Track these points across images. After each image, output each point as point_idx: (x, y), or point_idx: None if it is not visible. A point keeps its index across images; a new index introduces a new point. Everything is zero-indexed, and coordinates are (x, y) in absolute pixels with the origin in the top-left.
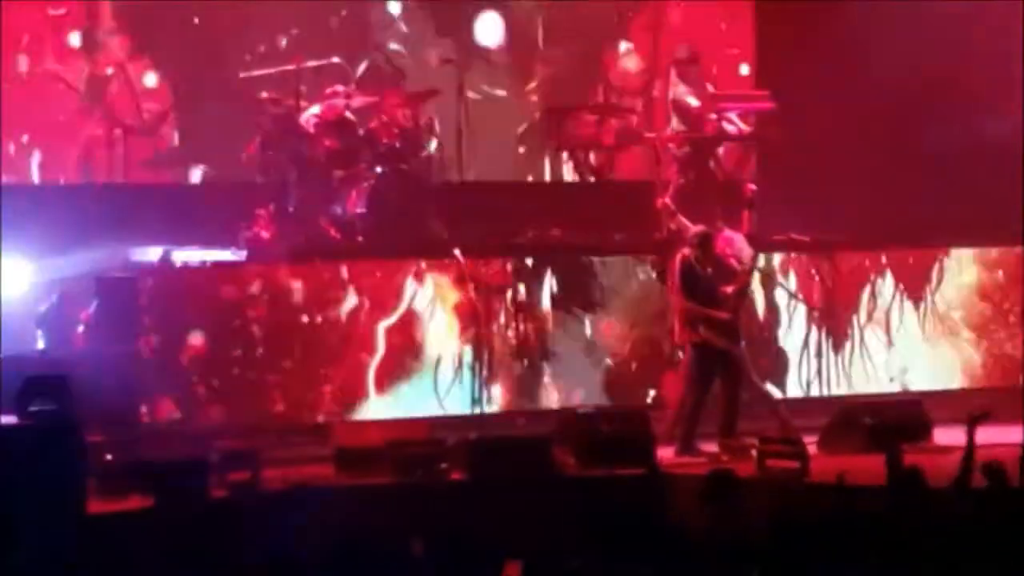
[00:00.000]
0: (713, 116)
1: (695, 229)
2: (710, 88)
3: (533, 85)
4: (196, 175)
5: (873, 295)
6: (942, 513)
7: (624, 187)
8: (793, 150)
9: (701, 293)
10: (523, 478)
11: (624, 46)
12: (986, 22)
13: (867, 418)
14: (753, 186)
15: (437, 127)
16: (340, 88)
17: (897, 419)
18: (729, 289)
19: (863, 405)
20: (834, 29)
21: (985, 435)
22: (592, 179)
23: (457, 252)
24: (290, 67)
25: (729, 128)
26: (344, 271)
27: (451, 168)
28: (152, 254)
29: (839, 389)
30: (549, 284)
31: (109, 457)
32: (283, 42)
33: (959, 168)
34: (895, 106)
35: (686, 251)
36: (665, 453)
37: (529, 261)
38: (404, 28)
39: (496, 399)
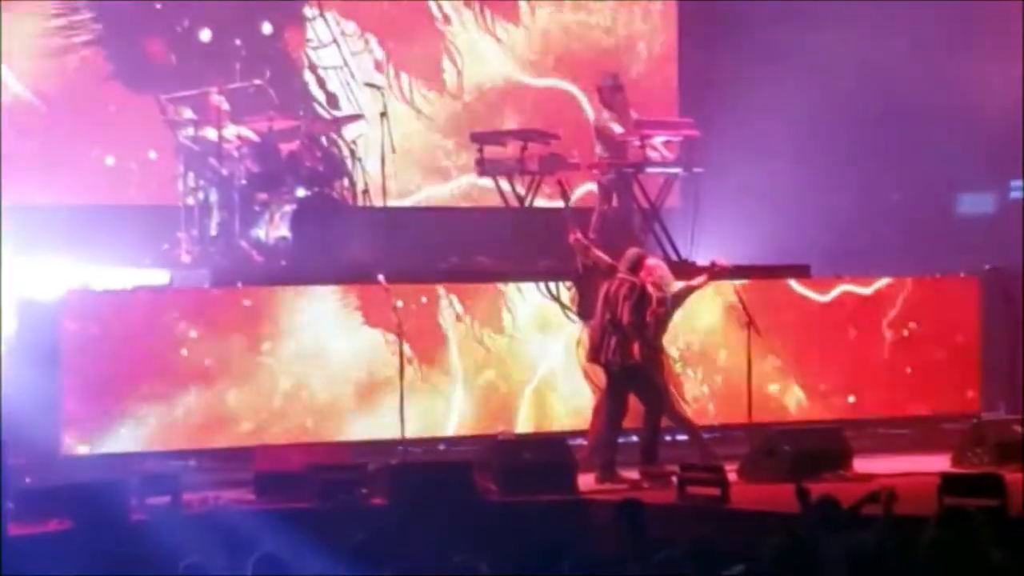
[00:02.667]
0: (637, 143)
1: (637, 251)
2: (634, 115)
3: (460, 109)
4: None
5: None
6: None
7: (549, 213)
8: (717, 177)
9: (640, 317)
10: (444, 503)
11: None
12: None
13: (787, 446)
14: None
15: (361, 151)
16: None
17: (818, 447)
18: (650, 315)
19: (784, 433)
20: (758, 57)
21: (909, 463)
22: (517, 205)
23: (381, 277)
24: (212, 89)
25: (653, 155)
26: (268, 294)
27: (375, 192)
28: (74, 277)
29: (766, 417)
30: (471, 308)
31: (28, 480)
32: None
33: (887, 194)
34: (821, 131)
35: (628, 275)
36: (586, 480)
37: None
38: (326, 51)
39: (419, 424)
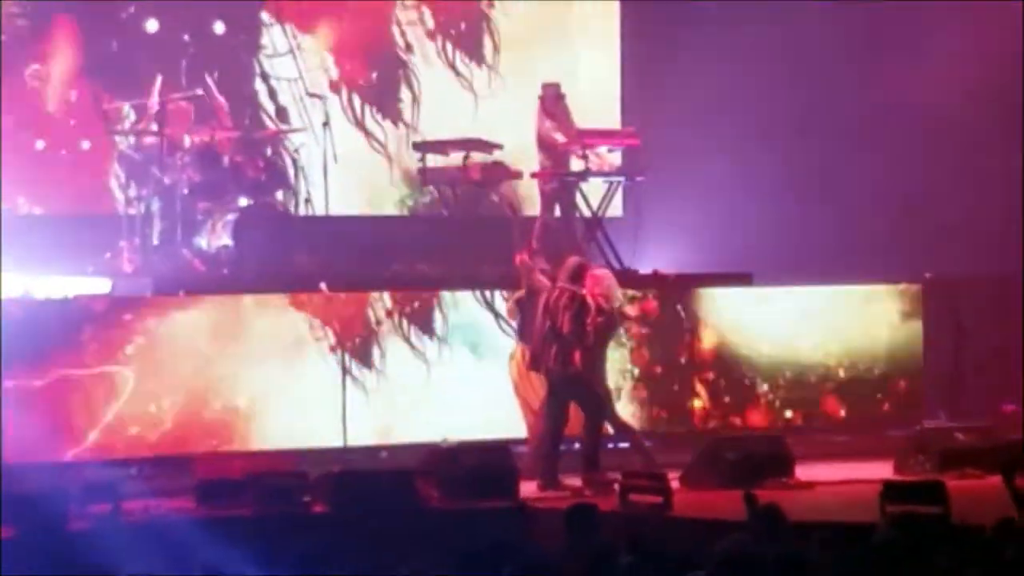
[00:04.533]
0: (579, 152)
1: (577, 260)
2: (576, 124)
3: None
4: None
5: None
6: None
7: (491, 222)
8: (660, 186)
9: (580, 326)
10: (386, 510)
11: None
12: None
13: (730, 453)
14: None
15: (303, 160)
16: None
17: (760, 454)
18: (591, 324)
19: (726, 440)
20: (699, 68)
21: (849, 471)
22: (459, 214)
23: (323, 285)
24: (154, 99)
25: (595, 164)
26: (210, 304)
27: (317, 201)
28: (15, 285)
29: (708, 424)
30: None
31: None
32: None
33: (835, 201)
34: (763, 137)
35: (568, 284)
36: (528, 487)
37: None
38: (280, 61)
39: (360, 431)
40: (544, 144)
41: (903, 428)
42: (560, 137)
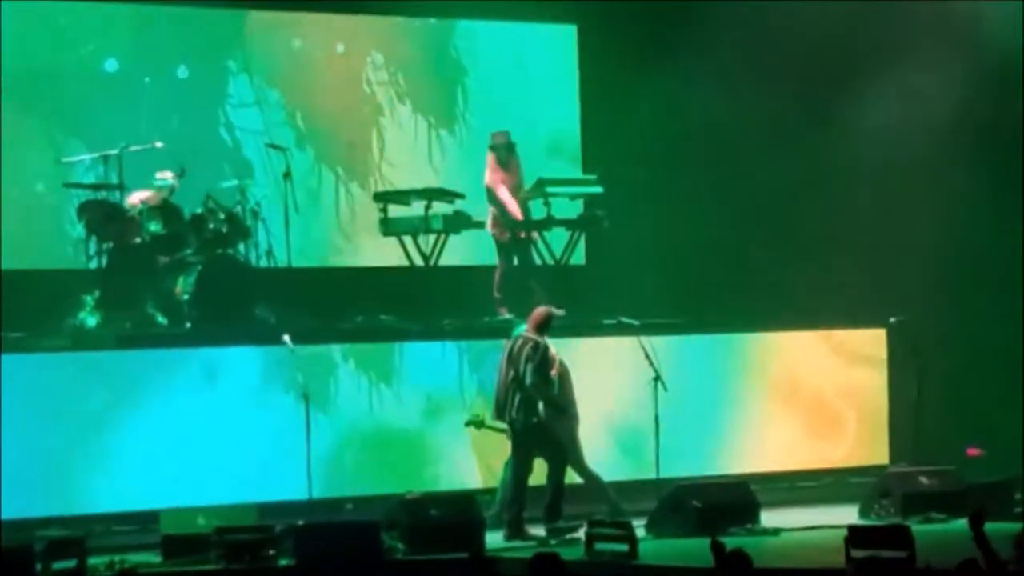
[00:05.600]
0: (541, 200)
1: (544, 310)
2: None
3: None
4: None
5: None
6: None
7: (454, 272)
8: (623, 233)
9: (544, 376)
10: (352, 563)
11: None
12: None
13: (695, 500)
14: None
15: (264, 211)
16: (165, 172)
17: (725, 501)
18: (554, 372)
19: (691, 487)
20: (660, 115)
21: (814, 516)
22: (421, 263)
23: (286, 337)
24: (113, 151)
25: (556, 212)
26: (173, 357)
27: (279, 252)
28: None
29: (676, 471)
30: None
31: None
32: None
33: (799, 248)
34: (725, 182)
35: (532, 334)
36: (494, 537)
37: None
38: (246, 111)
39: (325, 484)
40: (492, 193)
41: (868, 473)
42: (519, 185)
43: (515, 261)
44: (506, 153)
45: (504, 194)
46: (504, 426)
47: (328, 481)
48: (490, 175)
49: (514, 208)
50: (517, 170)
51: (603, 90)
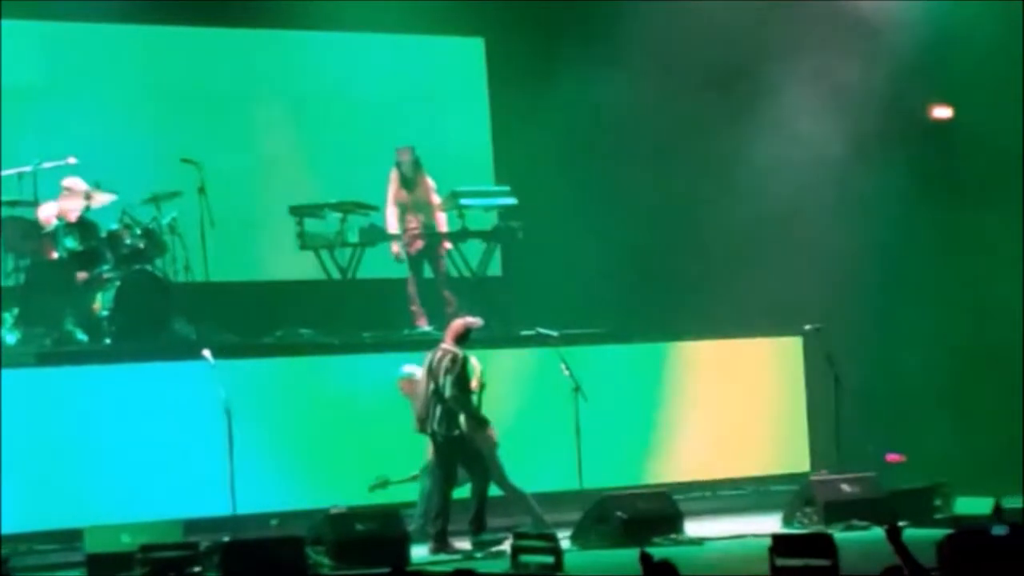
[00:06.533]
0: (455, 212)
1: (463, 322)
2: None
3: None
4: None
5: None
6: None
7: (371, 285)
8: (539, 244)
9: (464, 388)
10: None
11: None
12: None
13: (619, 511)
14: None
15: (180, 227)
16: (79, 189)
17: (649, 512)
18: (474, 384)
19: (615, 498)
20: (570, 122)
21: (738, 526)
22: (339, 277)
23: (206, 353)
24: (26, 168)
25: (471, 225)
26: (93, 374)
27: (196, 267)
28: None
29: (599, 482)
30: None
31: None
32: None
33: (715, 257)
34: (638, 192)
35: (451, 346)
36: (419, 551)
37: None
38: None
39: (250, 500)
40: (396, 207)
41: (789, 481)
42: (435, 198)
43: (426, 273)
44: (412, 169)
45: (389, 213)
46: (410, 476)
47: (253, 496)
48: (394, 189)
49: (392, 229)
50: (426, 185)
51: (513, 101)
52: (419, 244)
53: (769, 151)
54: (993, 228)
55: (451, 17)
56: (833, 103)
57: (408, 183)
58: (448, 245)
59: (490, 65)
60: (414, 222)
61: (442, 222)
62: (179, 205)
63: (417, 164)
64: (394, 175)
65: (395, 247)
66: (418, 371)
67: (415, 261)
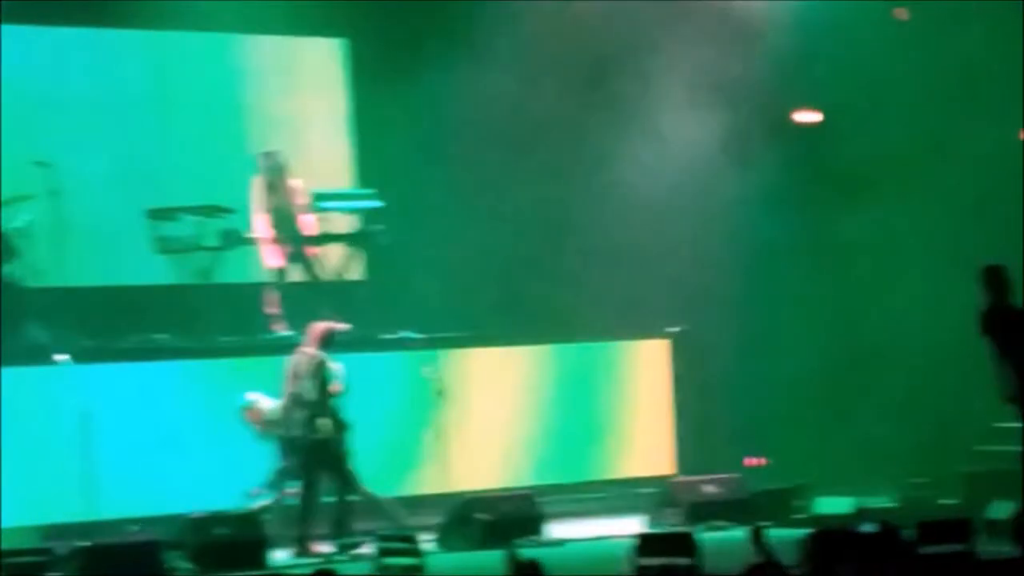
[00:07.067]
0: (317, 215)
1: (324, 325)
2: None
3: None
4: None
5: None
6: None
7: (230, 289)
8: (403, 247)
9: (325, 392)
10: None
11: None
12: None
13: (482, 514)
14: None
15: (34, 231)
16: None
17: (512, 514)
18: (336, 388)
19: (478, 500)
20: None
21: (601, 527)
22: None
23: (61, 357)
24: None
25: (334, 228)
26: None
27: (50, 272)
28: None
29: (460, 485)
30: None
31: None
32: None
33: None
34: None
35: (312, 350)
36: (281, 554)
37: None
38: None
39: (108, 505)
40: (265, 213)
41: (654, 483)
42: (299, 200)
43: (288, 277)
44: (275, 174)
45: (257, 220)
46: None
47: (112, 502)
48: (257, 198)
49: (262, 235)
50: (292, 189)
51: (377, 103)
52: (285, 249)
53: (638, 151)
54: (860, 231)
55: (315, 18)
56: (703, 103)
57: (273, 188)
58: (316, 250)
59: (355, 66)
60: (278, 227)
61: (310, 225)
62: (34, 209)
63: (280, 168)
64: (258, 181)
65: (265, 254)
66: (262, 399)
67: (282, 266)
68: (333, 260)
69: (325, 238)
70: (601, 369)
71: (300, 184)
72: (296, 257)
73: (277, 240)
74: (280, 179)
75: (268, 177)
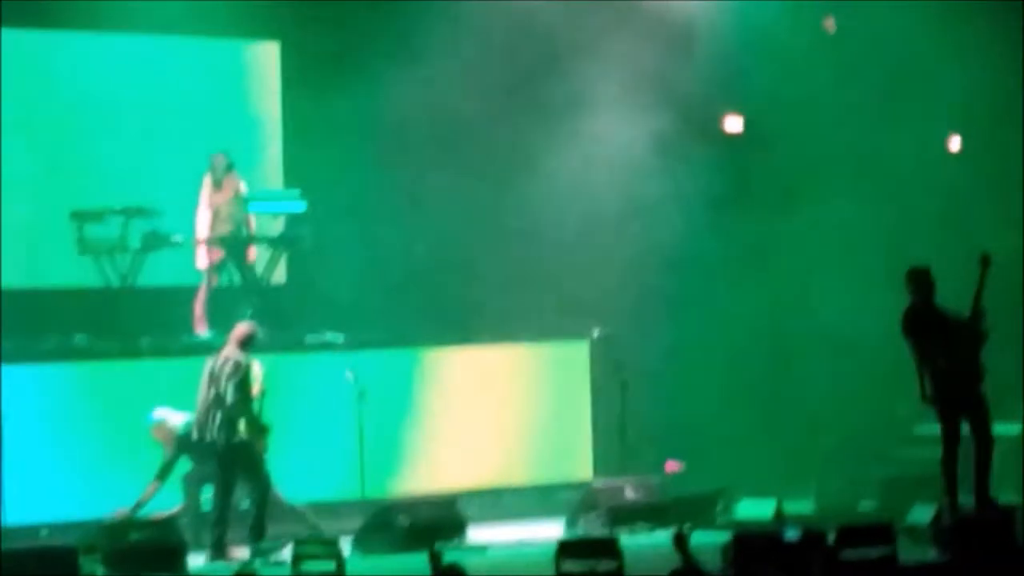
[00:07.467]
0: (244, 216)
1: (246, 327)
2: (241, 187)
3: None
4: None
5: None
6: None
7: (152, 292)
8: (328, 250)
9: (246, 394)
10: None
11: None
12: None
13: (402, 517)
14: None
15: None
16: None
17: (432, 518)
18: (256, 390)
19: (398, 504)
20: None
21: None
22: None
23: None
24: None
25: (258, 231)
26: None
27: None
28: None
29: (379, 491)
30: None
31: None
32: None
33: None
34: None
35: (235, 351)
36: (197, 559)
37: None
38: None
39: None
40: (205, 211)
41: (573, 487)
42: (224, 201)
43: (218, 278)
44: (221, 174)
45: (200, 218)
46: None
47: (22, 507)
48: (207, 194)
49: (201, 235)
50: (232, 189)
51: (307, 105)
52: (216, 253)
53: (566, 153)
54: (783, 236)
55: (247, 20)
56: (632, 106)
57: (218, 187)
58: (251, 251)
59: (284, 68)
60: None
61: (248, 226)
62: None
63: (225, 168)
64: (206, 180)
65: (199, 254)
66: (171, 415)
67: (213, 268)
68: (258, 262)
69: (248, 240)
70: (522, 371)
71: (243, 186)
72: (229, 258)
73: (212, 240)
74: (224, 178)
75: (215, 176)
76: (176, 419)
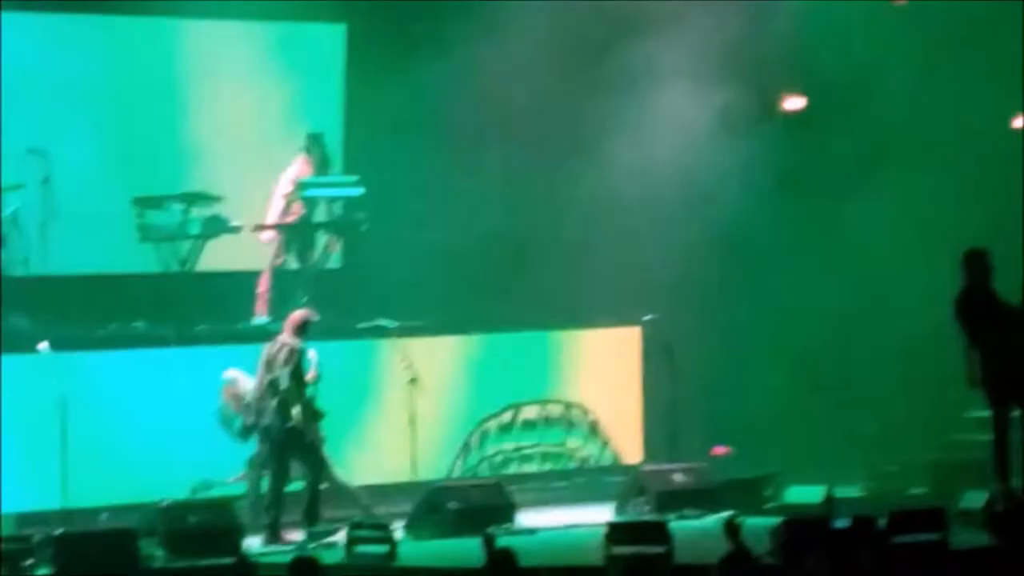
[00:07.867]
0: (300, 202)
1: (301, 314)
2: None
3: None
4: None
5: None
6: None
7: (211, 277)
8: (383, 235)
9: (300, 380)
10: (110, 572)
11: None
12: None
13: (452, 502)
14: None
15: (21, 219)
16: None
17: (482, 502)
18: (310, 376)
19: (448, 489)
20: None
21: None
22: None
23: (42, 345)
24: None
25: (315, 216)
26: None
27: (36, 260)
28: None
29: (430, 474)
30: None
31: None
32: None
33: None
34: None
35: (290, 338)
36: (253, 542)
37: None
38: None
39: (84, 493)
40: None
41: (622, 472)
42: (281, 188)
43: (288, 263)
44: (317, 154)
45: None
46: (234, 477)
47: (84, 490)
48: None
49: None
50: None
51: (370, 89)
52: (271, 235)
53: (619, 138)
54: (837, 220)
55: (314, 5)
56: (686, 90)
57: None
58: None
59: (349, 53)
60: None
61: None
62: (24, 197)
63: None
64: (301, 160)
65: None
66: (240, 376)
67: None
68: (314, 248)
69: (304, 226)
70: (574, 356)
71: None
72: (282, 241)
73: (264, 227)
74: (317, 161)
75: (308, 157)
76: (246, 383)
